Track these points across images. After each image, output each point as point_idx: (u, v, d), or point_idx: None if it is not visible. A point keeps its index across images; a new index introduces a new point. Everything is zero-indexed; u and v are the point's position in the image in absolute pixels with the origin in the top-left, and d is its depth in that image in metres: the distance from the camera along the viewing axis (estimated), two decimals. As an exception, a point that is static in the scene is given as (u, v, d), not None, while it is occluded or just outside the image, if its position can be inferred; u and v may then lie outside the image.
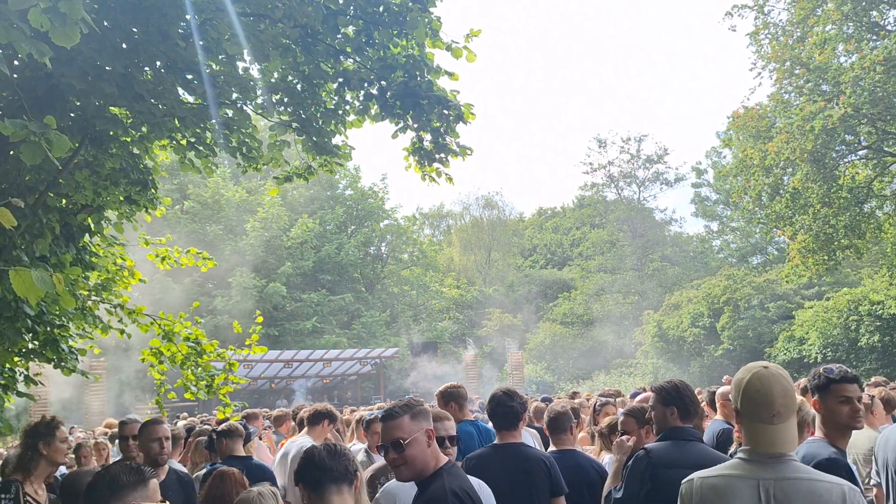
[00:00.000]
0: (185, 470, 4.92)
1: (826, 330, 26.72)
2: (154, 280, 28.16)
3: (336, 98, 5.65)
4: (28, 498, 3.91)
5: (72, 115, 4.68)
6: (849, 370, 3.26)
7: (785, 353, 28.47)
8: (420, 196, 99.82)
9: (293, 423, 8.37)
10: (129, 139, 5.13)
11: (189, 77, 4.86)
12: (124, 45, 4.41)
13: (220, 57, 5.01)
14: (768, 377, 2.25)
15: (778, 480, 2.13)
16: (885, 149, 21.53)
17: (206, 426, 7.79)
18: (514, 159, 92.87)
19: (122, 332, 6.54)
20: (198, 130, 5.38)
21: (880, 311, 25.03)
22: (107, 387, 24.30)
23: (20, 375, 5.90)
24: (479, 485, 3.05)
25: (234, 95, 5.30)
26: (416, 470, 2.69)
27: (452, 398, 4.87)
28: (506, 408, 3.76)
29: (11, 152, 4.46)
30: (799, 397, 4.83)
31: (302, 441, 5.71)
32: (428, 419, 2.78)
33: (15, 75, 4.27)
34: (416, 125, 5.41)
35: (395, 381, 34.52)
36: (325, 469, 2.46)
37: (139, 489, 2.37)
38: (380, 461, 4.51)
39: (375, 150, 76.90)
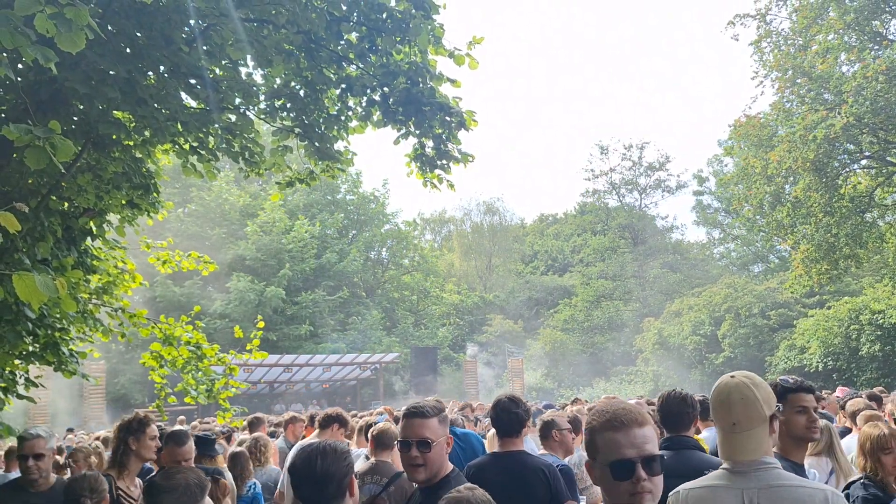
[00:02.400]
0: None
1: (827, 339, 26.67)
2: (155, 283, 28.18)
3: (339, 104, 5.67)
4: (121, 492, 3.95)
5: (75, 118, 4.69)
6: (804, 380, 3.15)
7: (786, 362, 28.42)
8: (421, 201, 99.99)
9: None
10: (131, 143, 5.15)
11: (192, 82, 4.88)
12: (128, 50, 4.43)
13: (223, 62, 5.03)
14: (728, 386, 2.29)
15: (761, 489, 2.16)
16: (888, 158, 21.54)
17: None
18: (516, 165, 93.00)
19: (122, 335, 6.54)
20: (200, 135, 5.39)
21: (881, 321, 24.98)
22: (107, 390, 24.27)
23: (20, 378, 5.90)
24: None
25: (237, 100, 5.32)
26: (431, 472, 2.72)
27: None
28: (510, 414, 3.73)
29: (14, 156, 4.47)
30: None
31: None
32: (448, 426, 2.86)
33: (19, 79, 4.28)
34: (418, 132, 5.43)
35: (395, 386, 34.47)
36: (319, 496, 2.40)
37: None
38: (366, 462, 4.48)
39: (377, 154, 77.05)
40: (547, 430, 4.68)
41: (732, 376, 2.33)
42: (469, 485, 2.33)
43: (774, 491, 2.15)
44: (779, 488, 2.16)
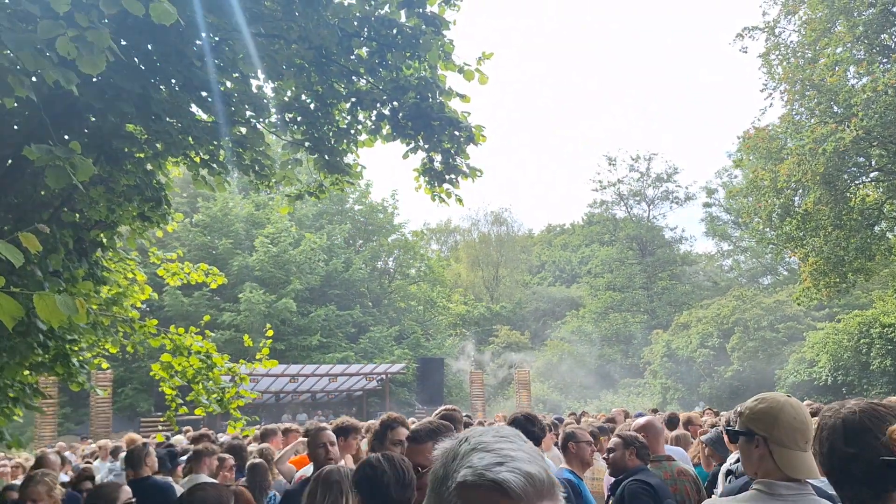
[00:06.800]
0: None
1: (836, 352, 26.49)
2: (164, 293, 28.26)
3: (349, 118, 5.70)
4: None
5: (87, 131, 4.73)
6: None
7: (795, 375, 28.23)
8: (428, 211, 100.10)
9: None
10: (143, 156, 5.19)
11: (203, 95, 4.91)
12: (142, 66, 4.47)
13: (234, 76, 5.08)
14: (801, 406, 2.27)
15: None
16: (897, 171, 21.46)
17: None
18: (524, 176, 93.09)
19: (132, 346, 6.57)
20: (211, 148, 5.43)
21: (891, 334, 24.80)
22: (113, 399, 24.30)
23: (29, 389, 5.93)
24: None
25: (248, 114, 5.35)
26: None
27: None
28: (525, 433, 3.73)
29: (28, 169, 4.51)
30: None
31: None
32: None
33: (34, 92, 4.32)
34: (426, 146, 5.45)
35: (401, 396, 34.40)
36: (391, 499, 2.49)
37: None
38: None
39: (386, 163, 77.20)
40: (565, 442, 4.66)
41: (790, 396, 2.31)
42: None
43: None
44: None
